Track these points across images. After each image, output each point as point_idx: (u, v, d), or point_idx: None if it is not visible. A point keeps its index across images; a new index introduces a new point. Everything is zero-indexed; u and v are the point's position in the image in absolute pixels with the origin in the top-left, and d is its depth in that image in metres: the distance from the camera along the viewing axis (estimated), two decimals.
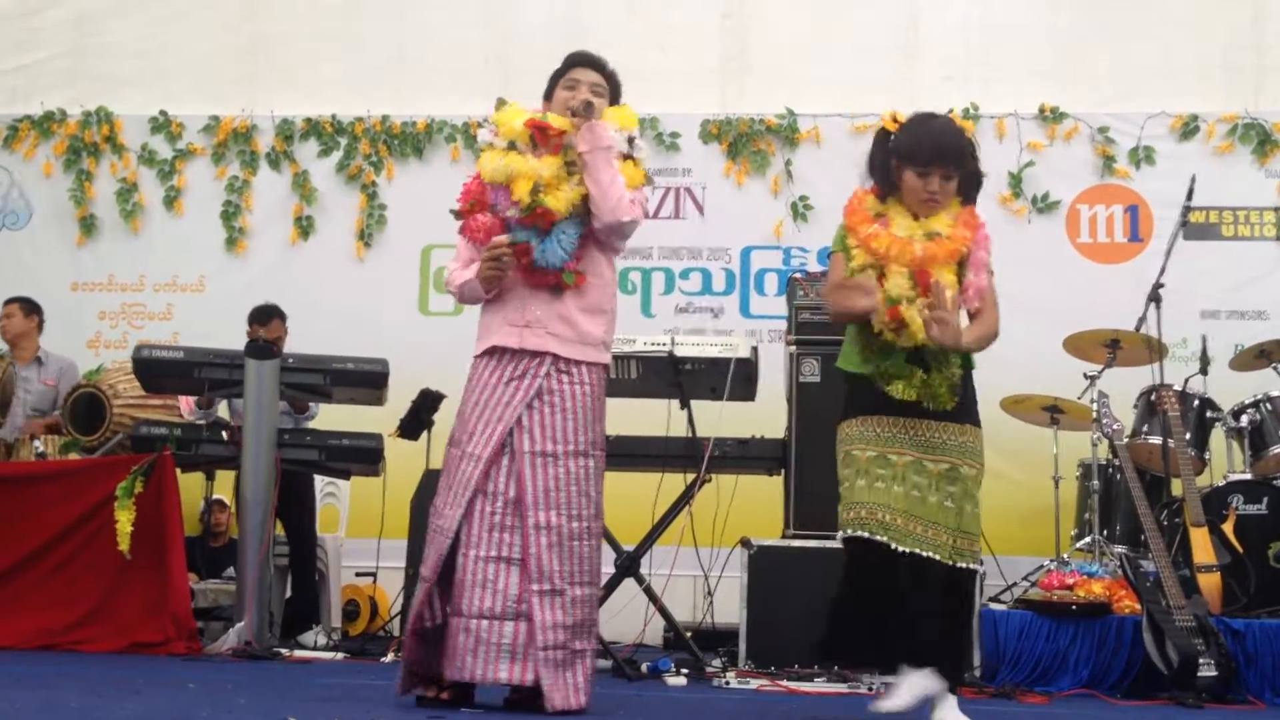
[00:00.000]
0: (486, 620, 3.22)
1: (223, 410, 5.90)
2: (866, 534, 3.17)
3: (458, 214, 3.47)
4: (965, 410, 3.29)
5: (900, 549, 3.14)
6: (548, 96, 3.52)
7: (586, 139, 3.35)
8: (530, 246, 3.34)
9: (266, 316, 6.04)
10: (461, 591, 3.25)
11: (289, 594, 5.91)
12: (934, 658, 3.17)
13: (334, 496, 6.62)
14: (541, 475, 3.30)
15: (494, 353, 3.39)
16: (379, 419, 5.64)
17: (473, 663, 3.22)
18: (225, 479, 6.05)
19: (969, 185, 3.34)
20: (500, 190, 3.39)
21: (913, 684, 3.17)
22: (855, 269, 3.26)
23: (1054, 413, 5.77)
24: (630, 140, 3.44)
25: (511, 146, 3.40)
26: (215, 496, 6.49)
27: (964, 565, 3.18)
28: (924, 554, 3.14)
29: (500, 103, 3.51)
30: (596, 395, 3.41)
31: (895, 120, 3.35)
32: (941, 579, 3.17)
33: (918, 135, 3.29)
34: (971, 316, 3.28)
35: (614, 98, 3.54)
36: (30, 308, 6.40)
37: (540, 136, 3.36)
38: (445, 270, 3.66)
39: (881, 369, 3.24)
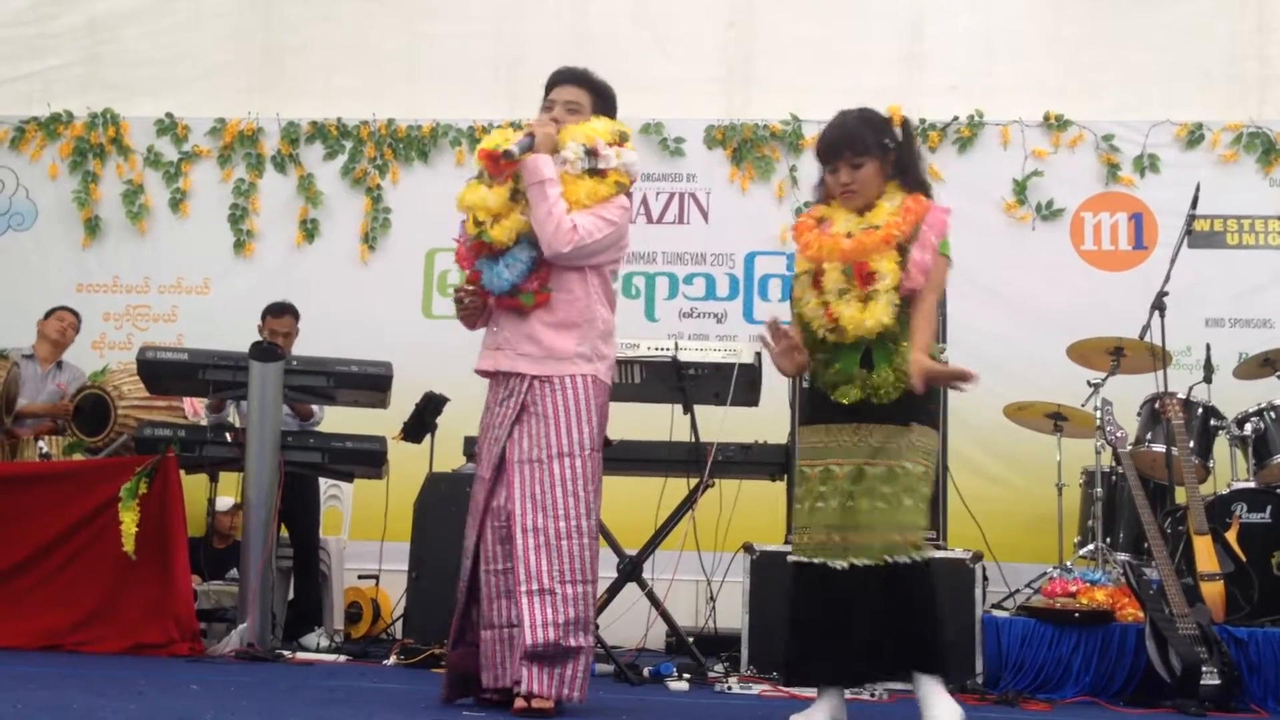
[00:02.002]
0: (509, 629, 3.42)
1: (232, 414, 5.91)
2: (807, 558, 3.26)
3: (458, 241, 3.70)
4: (911, 410, 3.27)
5: (837, 565, 3.20)
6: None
7: (523, 176, 3.49)
8: (479, 274, 3.52)
9: (280, 310, 6.08)
10: (488, 606, 3.46)
11: (291, 596, 5.92)
12: (905, 659, 3.21)
13: (337, 499, 6.62)
14: (529, 482, 3.42)
15: (484, 375, 3.60)
16: (382, 422, 5.65)
17: (501, 670, 3.44)
18: (232, 481, 6.04)
19: (900, 169, 3.35)
20: (464, 220, 3.58)
21: (831, 705, 3.28)
22: (798, 274, 3.39)
23: (1057, 420, 5.77)
24: (592, 153, 3.51)
25: (480, 176, 3.56)
26: (233, 503, 6.47)
27: (900, 559, 3.18)
28: (859, 563, 3.18)
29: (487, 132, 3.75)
30: (582, 400, 3.49)
31: None
32: (882, 581, 3.18)
33: (819, 138, 3.42)
34: (911, 301, 3.27)
35: (604, 105, 3.64)
36: (79, 320, 6.61)
37: (491, 167, 3.49)
38: None
39: (825, 379, 3.32)
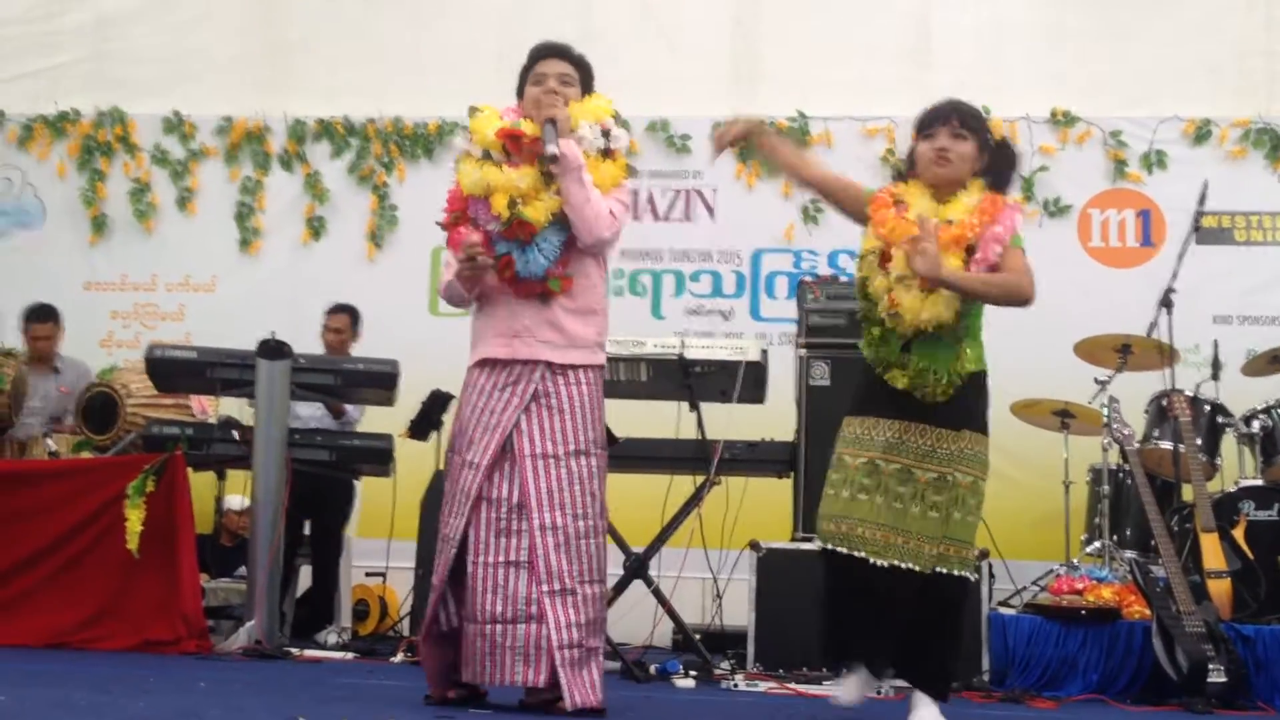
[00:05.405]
0: (500, 625, 3.27)
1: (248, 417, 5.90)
2: (845, 549, 3.21)
3: (443, 226, 3.48)
4: (965, 416, 3.27)
5: (878, 563, 3.17)
6: (519, 94, 3.52)
7: (559, 164, 3.35)
8: (512, 259, 3.34)
9: (340, 310, 6.28)
10: (474, 598, 3.30)
11: (301, 593, 5.93)
12: (914, 672, 3.23)
13: None
14: (544, 477, 3.32)
15: (486, 363, 3.41)
16: (389, 419, 5.66)
17: (490, 667, 3.29)
18: (240, 479, 6.05)
19: (999, 169, 3.32)
20: (479, 203, 3.38)
21: (862, 679, 3.28)
22: (866, 250, 3.30)
23: (1065, 417, 5.76)
24: (605, 133, 3.43)
25: (487, 156, 3.39)
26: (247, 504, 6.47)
27: (945, 571, 3.18)
28: (903, 565, 3.16)
29: (473, 110, 3.49)
30: (594, 395, 3.43)
31: None
32: (921, 590, 3.17)
33: (926, 109, 3.33)
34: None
35: (585, 83, 3.53)
36: (58, 319, 6.52)
37: (514, 146, 3.36)
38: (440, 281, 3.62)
39: (878, 356, 3.27)
